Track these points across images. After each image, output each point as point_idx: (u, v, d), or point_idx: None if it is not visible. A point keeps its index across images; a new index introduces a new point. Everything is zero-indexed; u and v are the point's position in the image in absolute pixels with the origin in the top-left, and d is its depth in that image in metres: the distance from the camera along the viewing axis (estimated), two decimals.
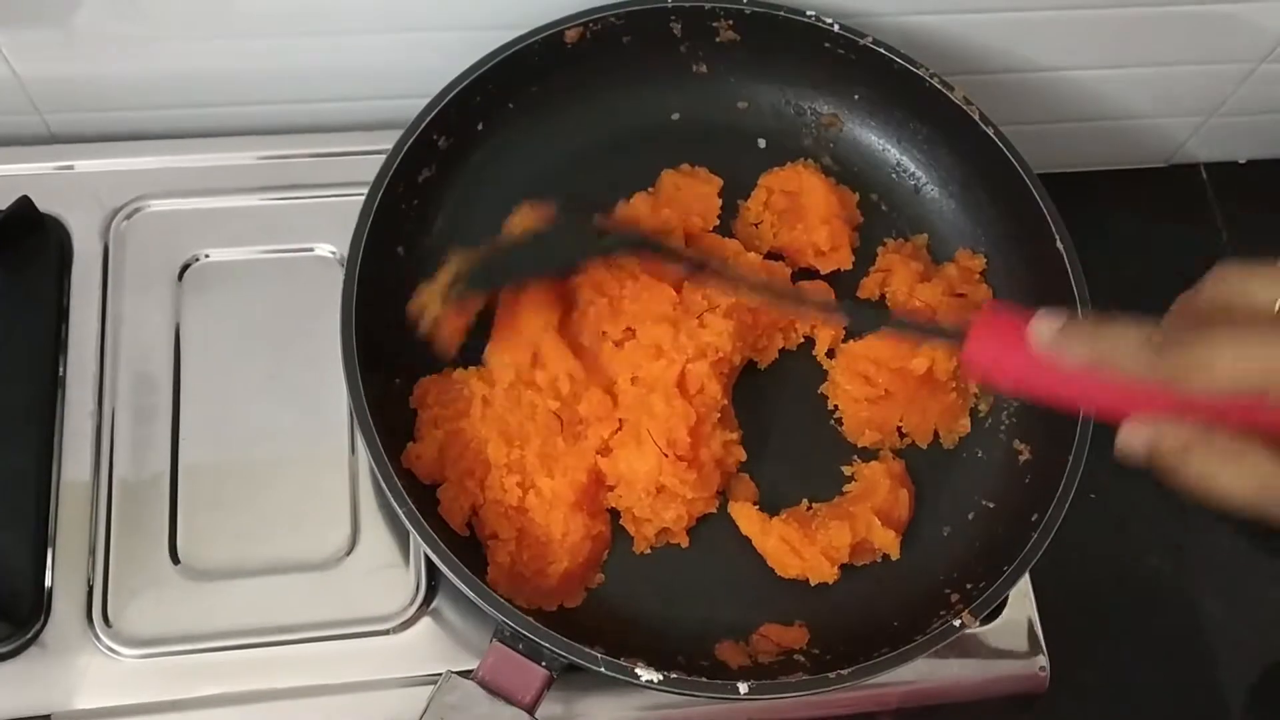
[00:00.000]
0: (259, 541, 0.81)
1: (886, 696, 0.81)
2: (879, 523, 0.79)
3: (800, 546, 0.78)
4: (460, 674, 0.72)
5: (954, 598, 0.77)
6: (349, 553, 0.81)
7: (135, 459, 0.83)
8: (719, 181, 0.89)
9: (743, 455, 0.82)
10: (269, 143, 0.93)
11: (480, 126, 0.87)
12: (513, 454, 0.78)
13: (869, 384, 0.84)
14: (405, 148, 0.81)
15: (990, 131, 0.84)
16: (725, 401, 0.81)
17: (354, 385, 0.75)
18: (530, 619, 0.70)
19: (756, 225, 0.89)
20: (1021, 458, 0.83)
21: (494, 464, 0.78)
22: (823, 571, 0.78)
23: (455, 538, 0.77)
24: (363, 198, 0.79)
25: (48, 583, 0.79)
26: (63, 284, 0.87)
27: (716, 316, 0.80)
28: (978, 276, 0.88)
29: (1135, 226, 1.10)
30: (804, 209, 0.88)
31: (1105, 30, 0.92)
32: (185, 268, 0.89)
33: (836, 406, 0.86)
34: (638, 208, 0.85)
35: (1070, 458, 0.77)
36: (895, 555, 0.80)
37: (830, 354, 0.86)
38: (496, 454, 0.78)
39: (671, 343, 0.79)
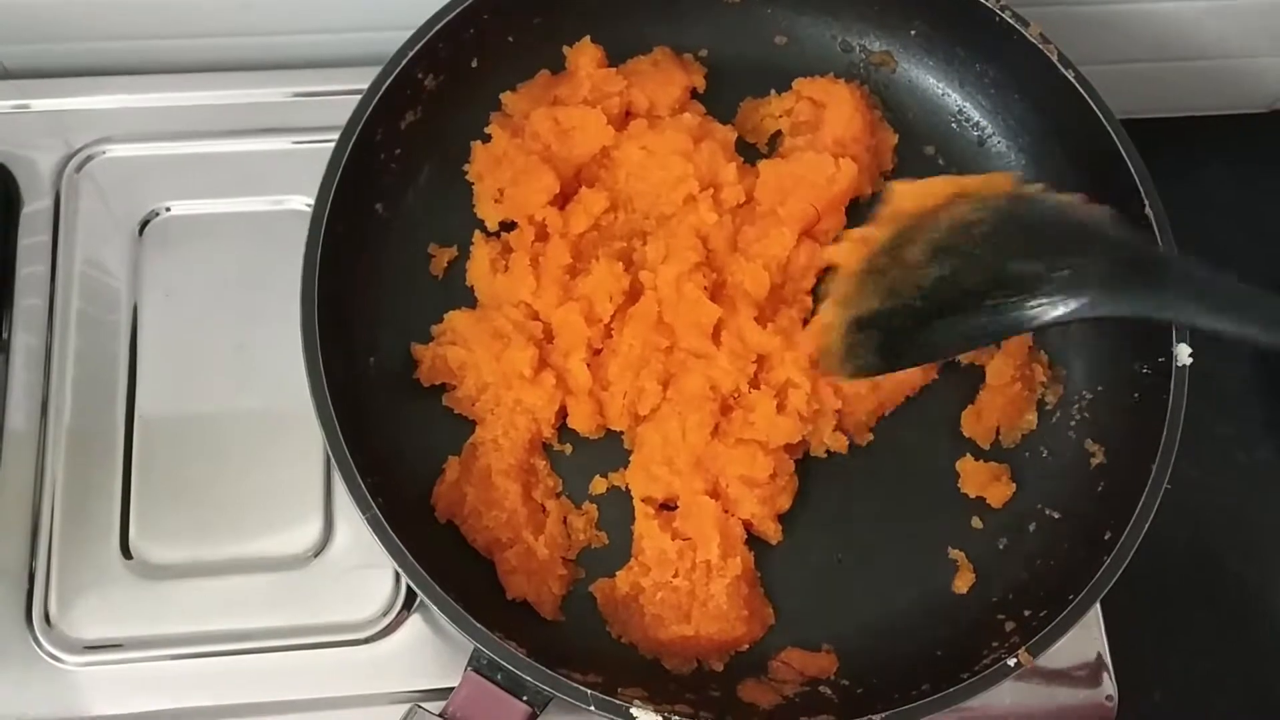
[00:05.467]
0: (220, 535, 0.74)
1: None
2: None
3: None
4: (433, 703, 0.64)
5: (1009, 626, 0.68)
6: (321, 550, 0.74)
7: (84, 438, 0.75)
8: None
9: None
10: (239, 80, 0.85)
11: (474, 63, 0.78)
12: None
13: None
14: (384, 87, 0.73)
15: (1071, 76, 0.75)
16: None
17: (313, 365, 0.66)
18: (511, 646, 0.61)
19: (761, 120, 0.81)
20: (1094, 460, 0.74)
21: None
22: None
23: (427, 541, 0.68)
24: None
25: None
26: (8, 240, 0.79)
27: None
28: None
29: (1231, 180, 1.00)
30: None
31: None
32: (146, 222, 0.81)
33: None
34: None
35: (1154, 465, 0.67)
36: None
37: None
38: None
39: None
